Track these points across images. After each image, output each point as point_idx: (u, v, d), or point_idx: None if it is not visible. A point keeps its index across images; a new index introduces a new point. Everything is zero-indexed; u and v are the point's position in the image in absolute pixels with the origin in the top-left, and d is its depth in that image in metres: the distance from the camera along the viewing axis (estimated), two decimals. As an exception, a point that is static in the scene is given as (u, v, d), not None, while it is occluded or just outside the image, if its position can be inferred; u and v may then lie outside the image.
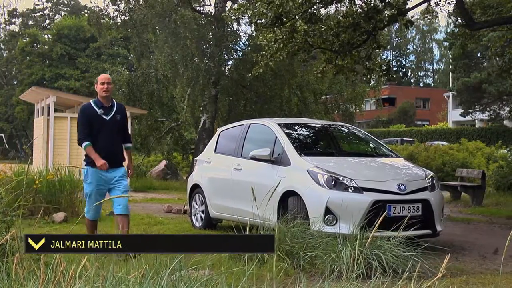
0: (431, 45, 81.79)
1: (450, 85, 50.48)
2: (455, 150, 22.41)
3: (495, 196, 14.32)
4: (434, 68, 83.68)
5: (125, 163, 6.76)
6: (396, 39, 79.75)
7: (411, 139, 37.30)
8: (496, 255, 6.72)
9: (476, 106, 36.99)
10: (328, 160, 7.39)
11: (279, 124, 8.10)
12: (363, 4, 10.95)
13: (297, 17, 10.42)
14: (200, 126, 22.29)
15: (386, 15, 10.37)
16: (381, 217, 4.45)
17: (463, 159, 19.72)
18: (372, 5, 10.45)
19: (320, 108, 23.31)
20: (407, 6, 10.76)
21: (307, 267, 5.48)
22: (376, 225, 4.22)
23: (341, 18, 11.01)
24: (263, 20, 10.17)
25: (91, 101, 6.68)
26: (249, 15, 9.92)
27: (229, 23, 20.93)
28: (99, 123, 6.52)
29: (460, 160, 19.42)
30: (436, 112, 57.25)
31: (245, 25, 21.32)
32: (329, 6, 11.96)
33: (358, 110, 26.90)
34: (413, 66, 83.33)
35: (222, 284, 3.07)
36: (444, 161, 19.19)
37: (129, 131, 7.17)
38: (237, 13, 10.00)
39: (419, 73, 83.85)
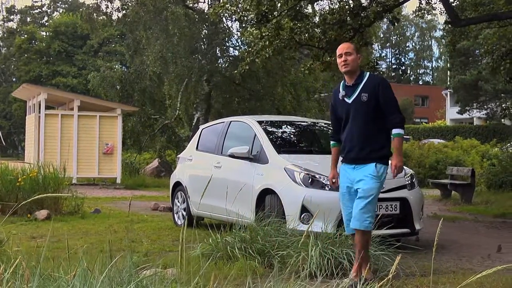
0: (430, 43, 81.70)
1: (448, 83, 50.39)
2: (450, 148, 22.37)
3: (486, 194, 14.22)
4: (433, 65, 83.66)
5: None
6: (395, 36, 79.64)
7: (407, 136, 37.21)
8: (483, 256, 6.65)
9: (474, 104, 36.89)
10: (307, 158, 7.34)
11: (259, 122, 8.03)
12: (349, 1, 10.90)
13: (282, 14, 10.36)
14: (193, 123, 22.23)
15: (372, 12, 10.31)
16: (315, 215, 4.39)
17: (456, 157, 19.68)
18: (358, 1, 10.39)
19: (314, 105, 23.26)
20: (396, 2, 10.71)
21: (278, 266, 5.41)
22: (313, 219, 4.16)
23: (327, 15, 10.95)
24: (248, 17, 10.12)
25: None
26: (232, 12, 9.86)
27: (222, 19, 20.85)
28: (342, 109, 5.08)
29: (454, 158, 19.38)
30: (435, 110, 57.14)
31: (237, 22, 21.23)
32: (317, 3, 11.89)
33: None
34: (412, 63, 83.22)
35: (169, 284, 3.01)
36: (438, 159, 19.14)
37: (396, 110, 5.07)
38: (220, 10, 9.91)
39: (418, 70, 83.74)
